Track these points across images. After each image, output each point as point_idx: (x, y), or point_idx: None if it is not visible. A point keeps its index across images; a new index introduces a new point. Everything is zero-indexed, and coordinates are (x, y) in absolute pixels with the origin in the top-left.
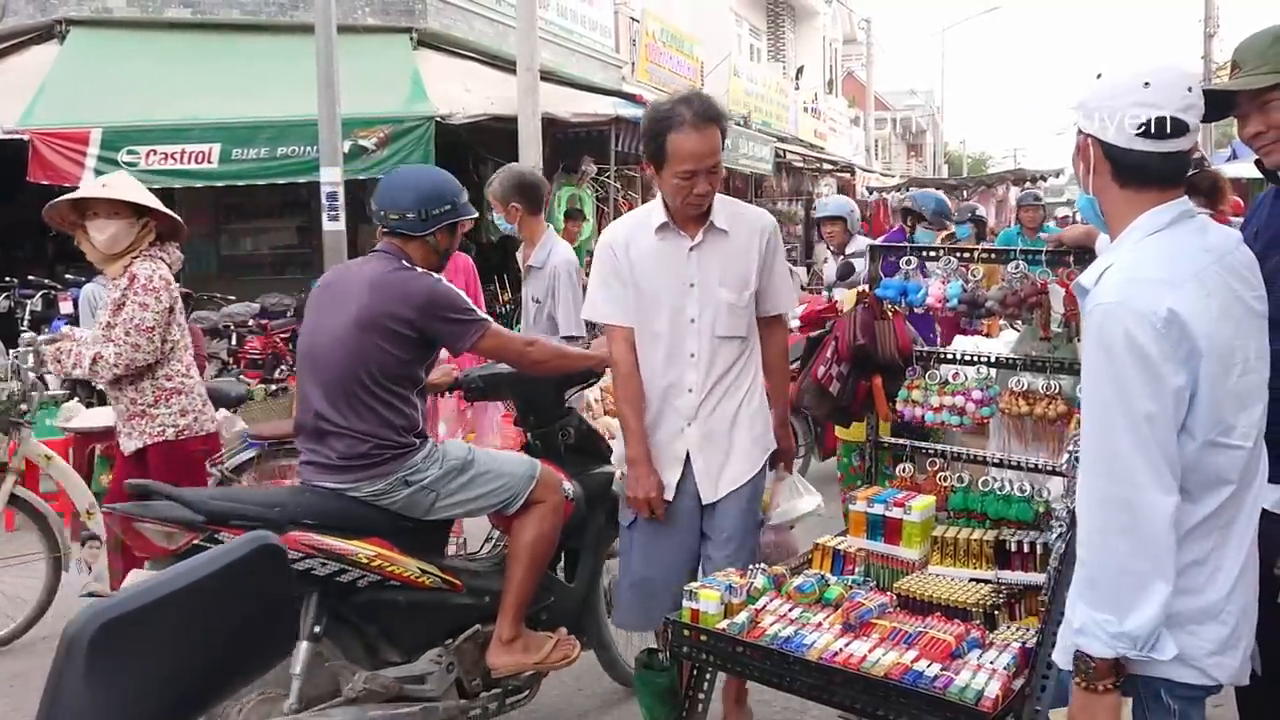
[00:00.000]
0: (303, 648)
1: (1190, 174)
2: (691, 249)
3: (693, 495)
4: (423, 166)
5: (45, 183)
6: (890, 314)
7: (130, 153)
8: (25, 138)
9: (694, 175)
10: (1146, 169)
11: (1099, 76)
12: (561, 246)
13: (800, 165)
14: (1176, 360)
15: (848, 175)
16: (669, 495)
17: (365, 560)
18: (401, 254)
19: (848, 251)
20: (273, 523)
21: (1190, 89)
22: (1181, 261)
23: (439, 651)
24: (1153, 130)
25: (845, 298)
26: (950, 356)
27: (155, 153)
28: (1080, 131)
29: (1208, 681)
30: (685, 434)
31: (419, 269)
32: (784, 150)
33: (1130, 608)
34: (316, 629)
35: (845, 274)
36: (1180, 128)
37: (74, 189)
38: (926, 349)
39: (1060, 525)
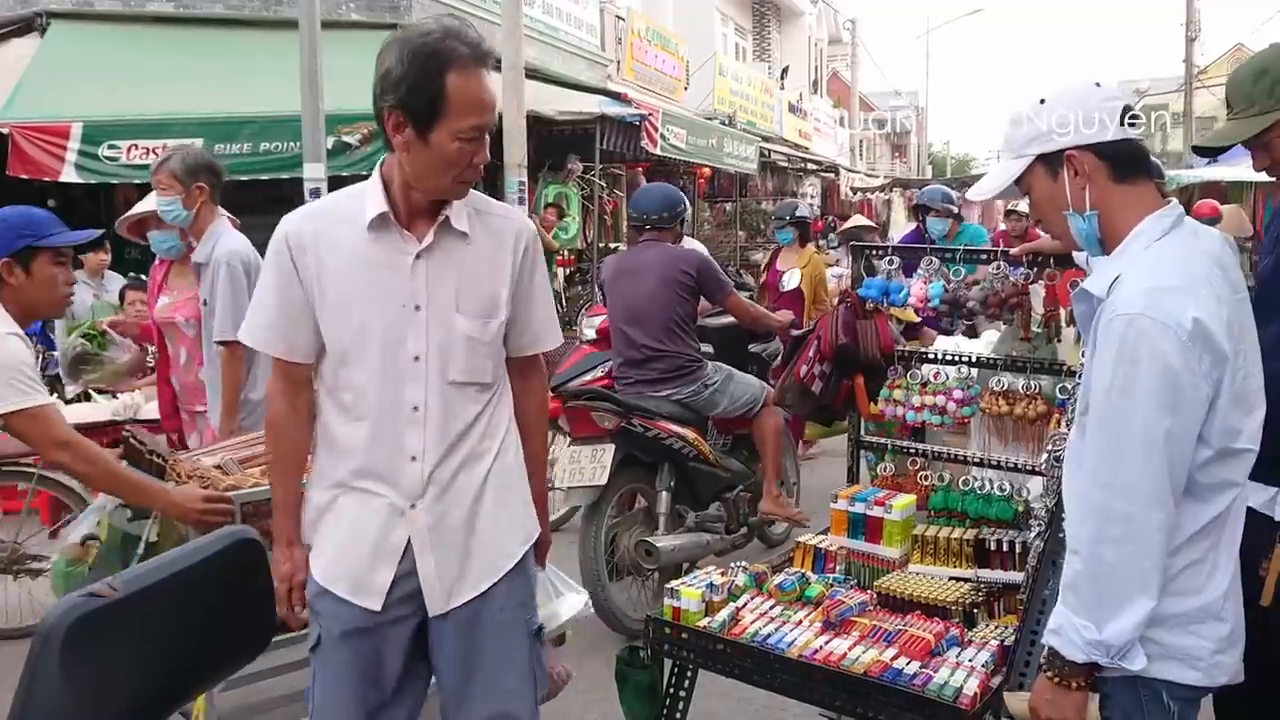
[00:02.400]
0: (663, 496)
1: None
2: (418, 257)
3: (415, 609)
4: (661, 184)
5: (25, 177)
6: (872, 313)
7: (111, 147)
8: (4, 131)
9: (480, 134)
10: (1139, 157)
11: (1043, 101)
12: (231, 239)
13: (785, 165)
14: (1200, 371)
15: (832, 175)
16: (373, 604)
17: (691, 440)
18: (661, 240)
19: None
20: (651, 414)
21: (1117, 85)
22: (1193, 268)
23: (718, 505)
24: (1128, 119)
25: None
26: (932, 356)
27: (136, 147)
28: (1052, 158)
29: (1210, 682)
30: (407, 519)
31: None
32: (769, 150)
33: (1110, 618)
34: (671, 483)
35: None
36: (1137, 116)
37: (54, 183)
38: (909, 348)
39: (1039, 524)
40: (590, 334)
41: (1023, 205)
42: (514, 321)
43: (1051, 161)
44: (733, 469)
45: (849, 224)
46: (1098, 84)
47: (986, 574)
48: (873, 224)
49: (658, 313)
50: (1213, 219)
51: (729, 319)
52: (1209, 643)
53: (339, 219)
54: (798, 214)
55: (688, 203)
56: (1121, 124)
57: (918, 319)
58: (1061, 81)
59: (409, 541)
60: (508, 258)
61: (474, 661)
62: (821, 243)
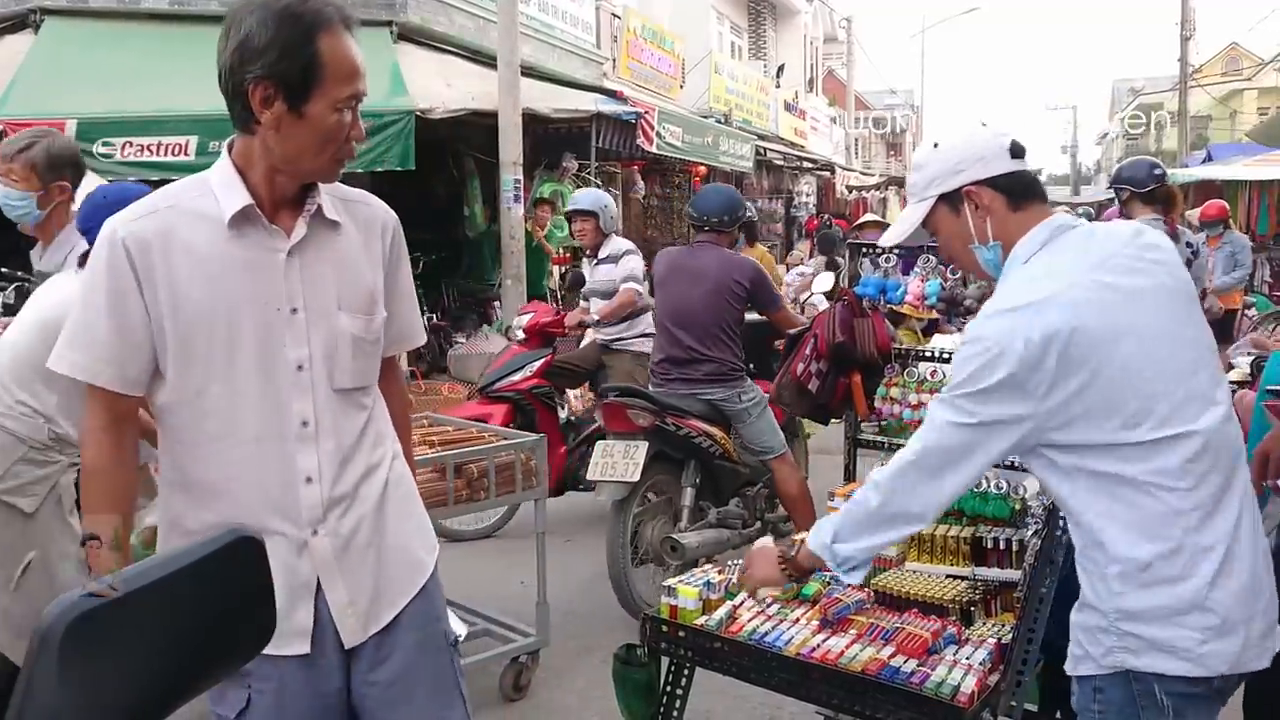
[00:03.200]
0: (688, 491)
1: (1151, 189)
2: (290, 254)
3: (333, 647)
4: (722, 186)
5: None
6: (869, 312)
7: (105, 144)
8: None
9: (357, 104)
10: (1030, 184)
11: (936, 145)
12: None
13: (780, 164)
14: (1040, 381)
15: (828, 174)
16: (301, 648)
17: (718, 438)
18: (718, 244)
19: (601, 254)
20: (683, 413)
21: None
22: (1057, 278)
23: (737, 501)
24: (1015, 150)
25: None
26: (929, 354)
27: (131, 145)
28: (951, 197)
29: (1203, 673)
30: (310, 549)
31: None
32: (764, 148)
33: (849, 540)
34: (696, 480)
35: (575, 285)
36: (1024, 149)
37: None
38: (905, 347)
39: (1036, 522)
40: (520, 334)
41: None
42: (387, 318)
43: (952, 200)
44: (752, 466)
45: (863, 219)
46: (984, 124)
47: (983, 572)
48: (886, 221)
49: (707, 318)
50: (1221, 219)
51: (758, 317)
52: (1195, 633)
53: (186, 216)
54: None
55: (749, 208)
56: (1010, 157)
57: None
58: (951, 128)
59: (318, 578)
60: (378, 248)
61: (401, 689)
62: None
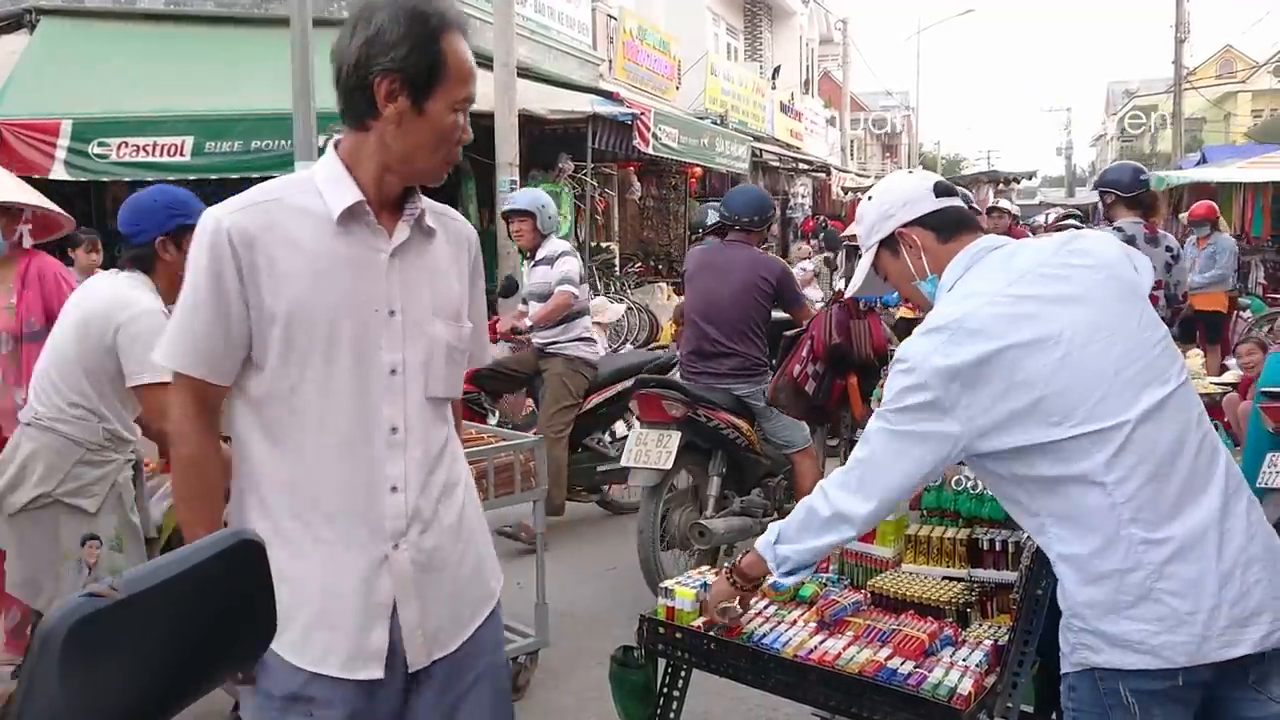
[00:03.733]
0: (715, 480)
1: (1136, 194)
2: (392, 255)
3: (400, 670)
4: (751, 187)
5: (14, 174)
6: (866, 313)
7: (101, 144)
8: None
9: (468, 107)
10: (956, 218)
11: (870, 199)
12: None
13: (776, 165)
14: (957, 397)
15: (823, 175)
16: (376, 672)
17: (744, 430)
18: (748, 243)
19: (538, 255)
20: (713, 405)
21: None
22: (972, 298)
23: (759, 490)
24: (940, 190)
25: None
26: None
27: (127, 145)
28: (889, 239)
29: (1162, 665)
30: (390, 564)
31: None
32: (760, 150)
33: (794, 543)
34: (723, 469)
35: (507, 291)
36: (950, 187)
37: (45, 180)
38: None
39: None
40: None
41: (1004, 202)
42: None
43: (890, 244)
44: (773, 457)
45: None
46: (910, 172)
47: (980, 573)
48: None
49: (735, 314)
50: (1209, 219)
51: (784, 315)
52: (1147, 625)
53: (290, 210)
54: (709, 224)
55: (776, 208)
56: (936, 196)
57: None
58: (881, 182)
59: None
60: (464, 261)
61: (462, 717)
62: (814, 242)
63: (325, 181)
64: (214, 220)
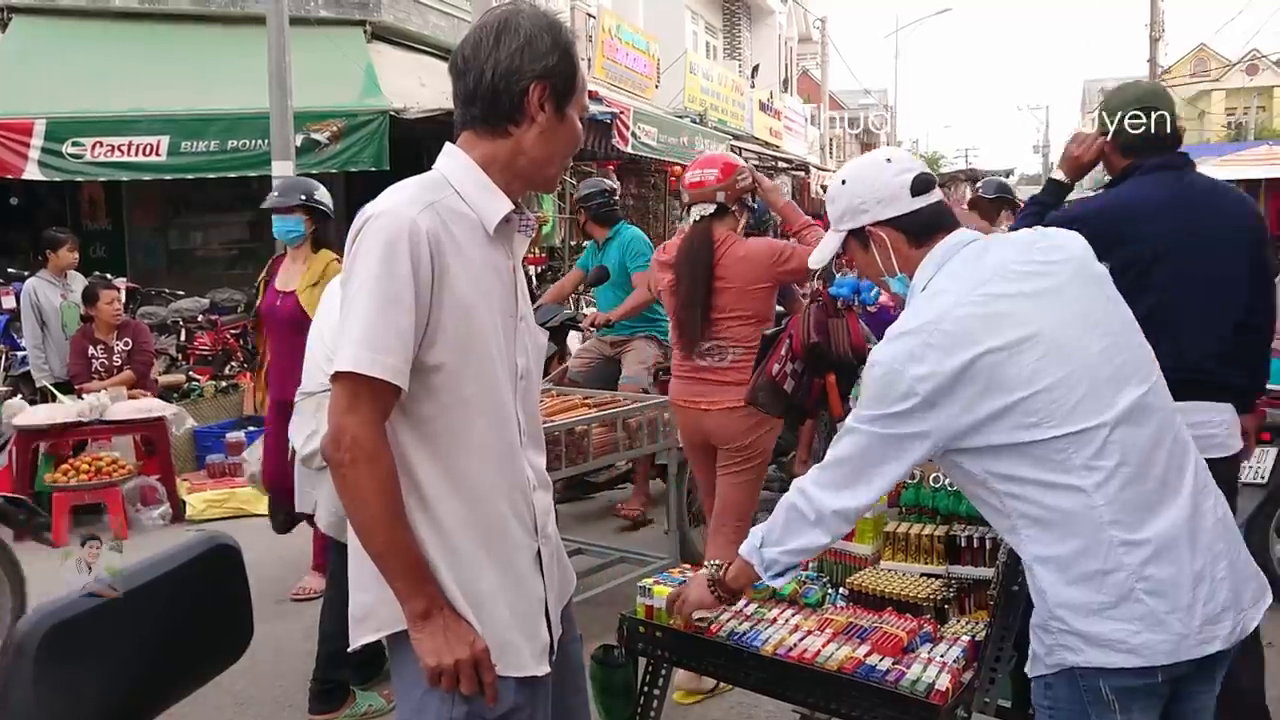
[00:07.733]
0: None
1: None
2: (515, 263)
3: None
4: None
5: None
6: (844, 312)
7: (75, 144)
8: None
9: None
10: (930, 221)
11: (844, 183)
12: None
13: (756, 163)
14: (930, 400)
15: (803, 174)
16: (547, 667)
17: None
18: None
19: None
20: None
21: (910, 156)
22: (944, 299)
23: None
24: (919, 186)
25: None
26: None
27: (101, 145)
28: (859, 232)
29: (1143, 663)
30: (540, 559)
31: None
32: (739, 148)
33: (778, 545)
34: None
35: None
36: (930, 181)
37: (16, 180)
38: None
39: None
40: None
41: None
42: None
43: (860, 236)
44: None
45: None
46: (889, 160)
47: (957, 570)
48: None
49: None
50: None
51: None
52: (1128, 625)
53: (452, 214)
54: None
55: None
56: (914, 194)
57: None
58: (859, 162)
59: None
60: (521, 273)
61: (567, 705)
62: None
63: (474, 187)
64: (408, 220)
